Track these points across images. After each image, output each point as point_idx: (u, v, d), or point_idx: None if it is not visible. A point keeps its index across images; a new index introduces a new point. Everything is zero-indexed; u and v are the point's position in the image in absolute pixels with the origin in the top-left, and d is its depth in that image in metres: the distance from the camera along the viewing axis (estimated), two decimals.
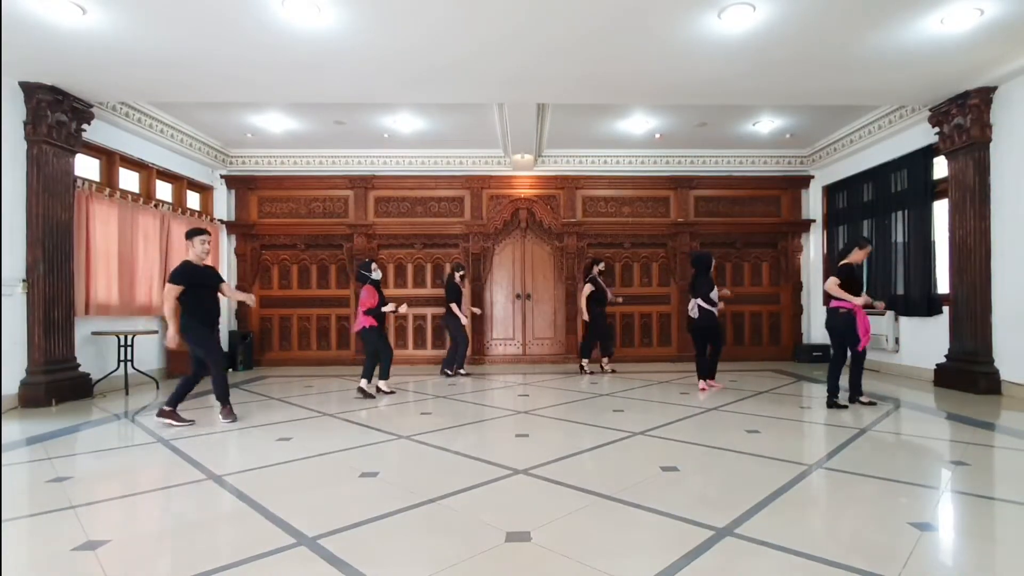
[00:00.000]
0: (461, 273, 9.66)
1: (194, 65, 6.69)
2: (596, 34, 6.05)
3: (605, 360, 10.05)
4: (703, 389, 7.93)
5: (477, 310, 10.58)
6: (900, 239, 9.19)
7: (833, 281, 6.45)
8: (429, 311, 11.45)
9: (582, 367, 10.00)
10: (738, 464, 4.36)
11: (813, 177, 11.63)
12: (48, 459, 4.66)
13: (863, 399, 6.66)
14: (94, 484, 4.09)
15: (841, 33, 6.04)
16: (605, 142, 10.92)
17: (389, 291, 11.20)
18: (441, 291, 10.74)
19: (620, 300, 9.94)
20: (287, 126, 9.79)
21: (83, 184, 7.80)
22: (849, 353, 6.58)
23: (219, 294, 6.22)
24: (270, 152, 11.17)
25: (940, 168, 8.40)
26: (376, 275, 7.74)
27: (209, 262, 6.24)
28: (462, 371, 9.84)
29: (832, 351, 6.78)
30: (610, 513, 3.35)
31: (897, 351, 9.23)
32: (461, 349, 9.76)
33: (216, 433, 5.73)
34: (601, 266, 9.88)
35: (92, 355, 7.92)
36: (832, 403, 6.50)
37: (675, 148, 11.31)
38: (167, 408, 6.00)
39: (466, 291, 9.80)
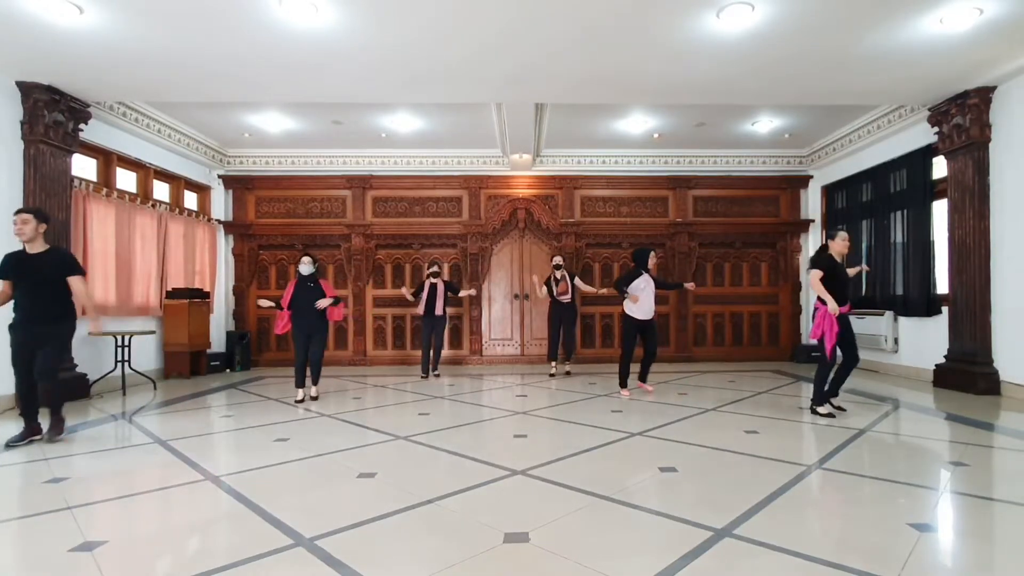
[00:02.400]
0: (431, 271, 9.60)
1: (191, 64, 6.67)
2: (595, 34, 6.04)
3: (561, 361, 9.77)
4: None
5: (471, 292, 10.39)
6: (899, 239, 9.18)
7: (815, 274, 6.03)
8: None
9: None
10: (737, 465, 4.35)
11: (812, 177, 11.64)
12: (45, 460, 4.64)
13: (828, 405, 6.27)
14: (91, 485, 4.07)
15: (840, 33, 6.04)
16: (603, 142, 10.92)
17: (387, 291, 11.32)
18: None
19: (567, 299, 9.32)
20: (285, 126, 9.77)
21: (80, 184, 7.79)
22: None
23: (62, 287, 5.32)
24: (268, 152, 11.15)
25: (939, 168, 8.39)
26: (302, 268, 7.29)
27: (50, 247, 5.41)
28: (423, 374, 9.60)
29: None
30: (608, 514, 3.34)
31: (896, 351, 9.21)
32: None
33: (214, 434, 5.74)
34: (556, 260, 9.52)
35: (89, 355, 7.89)
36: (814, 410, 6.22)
37: (674, 148, 11.31)
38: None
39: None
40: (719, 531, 3.04)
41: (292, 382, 8.24)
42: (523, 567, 2.69)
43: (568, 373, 9.71)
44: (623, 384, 7.68)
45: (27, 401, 5.23)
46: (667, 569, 2.61)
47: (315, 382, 7.48)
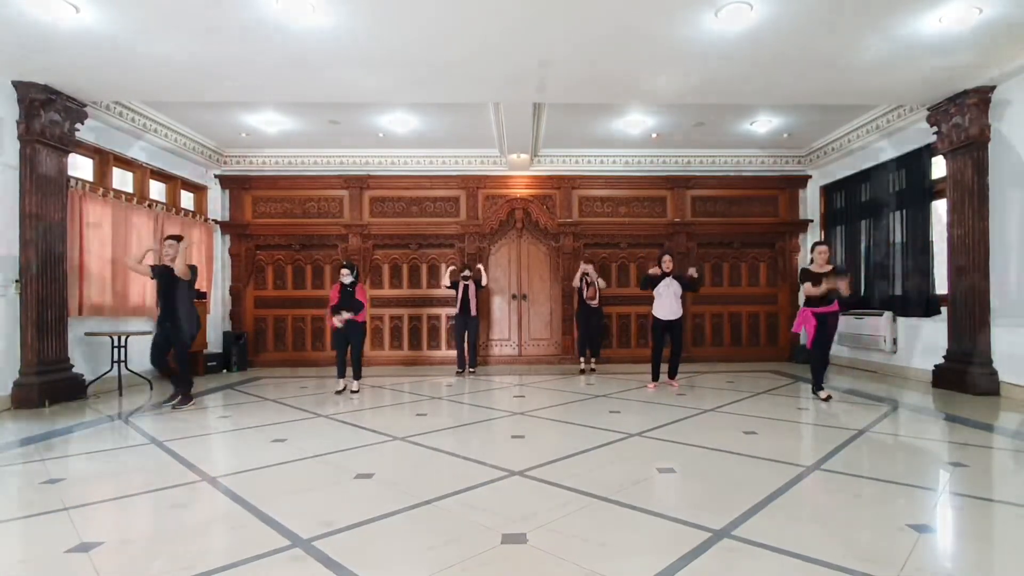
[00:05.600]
0: (463, 274, 10.05)
1: (187, 64, 6.66)
2: (593, 34, 6.05)
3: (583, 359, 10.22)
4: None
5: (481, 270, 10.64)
6: (898, 239, 9.15)
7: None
8: (425, 312, 11.53)
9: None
10: (735, 465, 4.35)
11: (811, 177, 11.62)
12: (41, 460, 4.64)
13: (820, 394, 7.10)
14: (87, 485, 4.09)
15: (839, 32, 6.03)
16: (601, 142, 10.93)
17: (384, 291, 11.41)
18: (435, 291, 11.35)
19: (595, 304, 9.80)
20: (282, 126, 9.75)
21: (76, 184, 7.77)
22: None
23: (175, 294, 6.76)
24: (265, 152, 11.13)
25: (939, 168, 8.36)
26: (343, 279, 8.01)
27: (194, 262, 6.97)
28: (459, 369, 10.16)
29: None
30: (606, 514, 3.33)
31: (895, 352, 9.21)
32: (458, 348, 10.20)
33: (211, 435, 5.75)
34: (587, 268, 9.85)
35: (86, 356, 7.89)
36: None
37: (672, 148, 11.28)
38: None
39: (464, 287, 9.96)
40: (718, 532, 3.03)
41: (289, 383, 8.82)
42: (520, 568, 2.69)
43: (593, 371, 10.11)
44: (653, 378, 8.30)
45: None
46: (666, 570, 2.61)
47: (356, 377, 8.14)
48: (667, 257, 8.10)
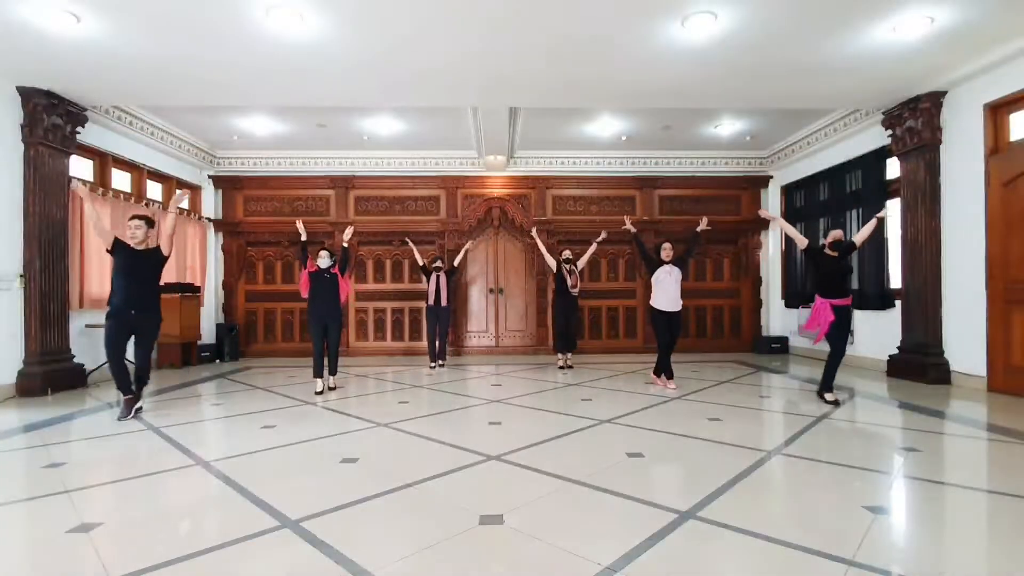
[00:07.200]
0: (435, 265, 9.83)
1: (183, 72, 7.01)
2: (566, 44, 6.39)
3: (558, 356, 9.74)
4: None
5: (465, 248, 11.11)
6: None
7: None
8: (406, 305, 11.90)
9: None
10: (701, 450, 4.58)
11: (772, 177, 12.10)
12: (44, 446, 4.83)
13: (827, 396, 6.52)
14: (87, 469, 4.24)
15: (798, 40, 6.36)
16: (574, 144, 11.34)
17: (368, 285, 11.77)
18: (416, 285, 11.71)
19: (576, 292, 9.49)
20: (271, 128, 10.11)
21: (78, 184, 7.99)
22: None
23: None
24: (255, 153, 11.51)
25: (893, 168, 8.72)
26: (320, 262, 7.40)
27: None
28: (431, 364, 9.90)
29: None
30: (579, 497, 3.52)
31: (852, 343, 9.53)
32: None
33: (204, 421, 6.00)
34: (567, 254, 9.61)
35: (86, 347, 8.21)
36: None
37: (641, 149, 11.70)
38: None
39: (437, 279, 9.79)
40: (684, 513, 3.21)
41: (278, 373, 8.84)
42: (497, 548, 2.83)
43: (571, 366, 9.62)
44: (666, 375, 7.60)
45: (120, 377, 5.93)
46: (634, 549, 2.77)
47: (332, 372, 7.57)
48: (667, 245, 7.57)
